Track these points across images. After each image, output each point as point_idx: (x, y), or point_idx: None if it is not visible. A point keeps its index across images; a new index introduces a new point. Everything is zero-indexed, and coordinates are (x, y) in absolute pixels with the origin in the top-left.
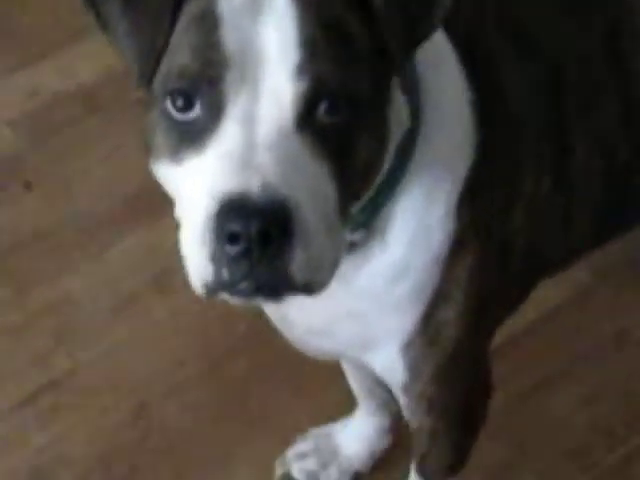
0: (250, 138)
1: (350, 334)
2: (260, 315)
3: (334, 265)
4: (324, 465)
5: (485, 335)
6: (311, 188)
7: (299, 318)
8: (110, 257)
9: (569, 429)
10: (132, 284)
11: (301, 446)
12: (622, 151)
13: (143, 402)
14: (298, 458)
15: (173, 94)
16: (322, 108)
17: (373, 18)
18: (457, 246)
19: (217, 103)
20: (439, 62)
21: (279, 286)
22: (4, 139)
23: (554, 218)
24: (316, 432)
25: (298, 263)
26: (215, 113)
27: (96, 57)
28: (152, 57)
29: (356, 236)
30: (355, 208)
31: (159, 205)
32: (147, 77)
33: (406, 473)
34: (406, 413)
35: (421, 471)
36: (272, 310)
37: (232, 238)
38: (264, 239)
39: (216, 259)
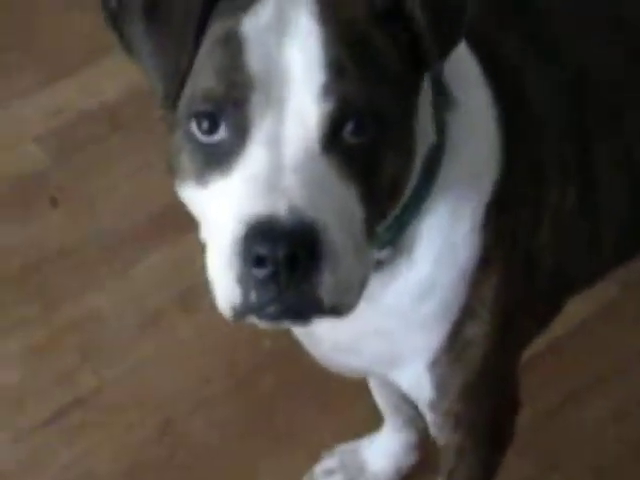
0: (276, 160)
1: (377, 351)
2: (286, 332)
3: (362, 286)
4: None
5: (513, 352)
6: (338, 210)
7: (326, 335)
8: (135, 274)
9: (597, 444)
10: (157, 301)
11: (328, 462)
12: None
13: (169, 419)
14: (325, 474)
15: (198, 116)
16: (348, 128)
17: (399, 29)
18: (483, 263)
19: (242, 125)
20: (464, 77)
21: (307, 310)
22: (30, 156)
23: (580, 235)
24: (343, 448)
25: (326, 286)
26: (240, 135)
27: (120, 75)
28: (176, 79)
29: (382, 254)
30: (381, 227)
31: (184, 222)
32: (171, 99)
33: None
34: (433, 430)
35: None
36: (299, 328)
37: (259, 261)
38: (292, 262)
39: (243, 282)
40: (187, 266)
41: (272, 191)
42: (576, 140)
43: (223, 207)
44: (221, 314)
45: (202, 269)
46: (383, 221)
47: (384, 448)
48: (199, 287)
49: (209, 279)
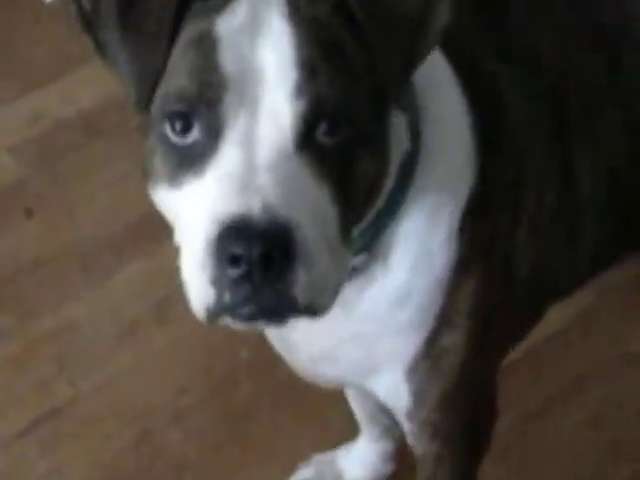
0: (250, 160)
1: (354, 359)
2: (262, 342)
3: (337, 287)
4: None
5: (491, 360)
6: (312, 209)
7: (302, 343)
8: (112, 284)
9: (576, 450)
10: (134, 311)
11: (304, 472)
12: (625, 172)
13: (146, 429)
14: None
15: (171, 117)
16: (322, 128)
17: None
18: (460, 269)
19: (216, 125)
20: (438, 84)
21: (282, 309)
22: (4, 166)
23: (558, 237)
24: (319, 458)
25: (300, 285)
26: (214, 135)
27: (97, 83)
28: (150, 80)
29: (358, 260)
30: (356, 231)
31: (161, 232)
32: (144, 101)
33: None
34: (410, 439)
35: None
36: (275, 336)
37: (233, 261)
38: (266, 261)
39: (217, 282)
40: (164, 277)
41: (246, 190)
42: (555, 145)
43: (196, 208)
44: (198, 324)
45: (178, 277)
46: (358, 224)
47: (361, 458)
48: (176, 298)
49: (183, 282)
